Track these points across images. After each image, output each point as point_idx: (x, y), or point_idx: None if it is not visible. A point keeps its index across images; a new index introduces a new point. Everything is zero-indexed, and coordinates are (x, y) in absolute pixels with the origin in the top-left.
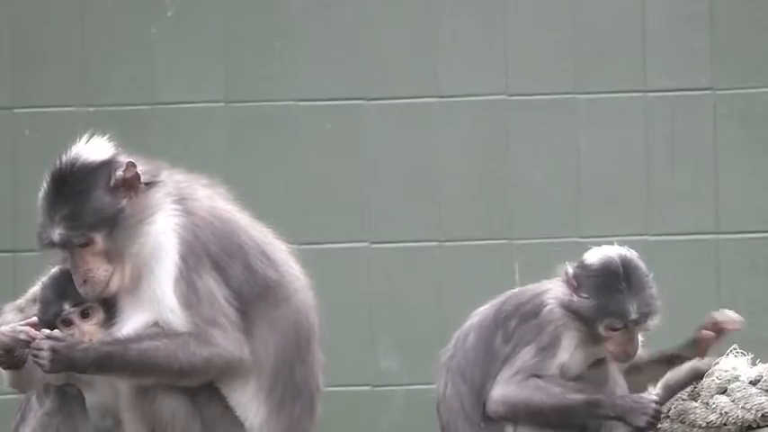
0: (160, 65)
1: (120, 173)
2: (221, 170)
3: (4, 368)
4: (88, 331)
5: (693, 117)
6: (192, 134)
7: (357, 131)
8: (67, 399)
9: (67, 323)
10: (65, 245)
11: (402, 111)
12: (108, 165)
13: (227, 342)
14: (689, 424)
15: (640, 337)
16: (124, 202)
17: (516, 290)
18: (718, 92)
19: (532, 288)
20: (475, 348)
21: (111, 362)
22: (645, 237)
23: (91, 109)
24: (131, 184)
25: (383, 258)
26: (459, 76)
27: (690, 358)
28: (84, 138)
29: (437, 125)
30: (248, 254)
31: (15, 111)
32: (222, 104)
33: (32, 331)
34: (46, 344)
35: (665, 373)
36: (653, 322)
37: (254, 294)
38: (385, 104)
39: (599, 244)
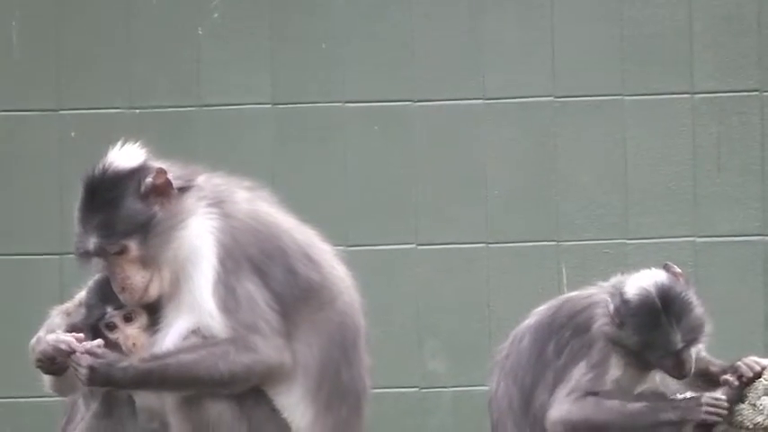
0: (206, 67)
1: (149, 179)
2: (268, 172)
3: (45, 373)
4: (131, 335)
5: (741, 119)
6: (238, 136)
7: (404, 133)
8: (116, 401)
9: (111, 327)
10: (99, 254)
11: (449, 112)
12: (138, 172)
13: (268, 348)
14: (736, 425)
15: (693, 354)
16: (156, 208)
17: (574, 294)
18: (765, 93)
19: (588, 296)
20: (528, 352)
21: (150, 379)
22: (692, 239)
23: (137, 111)
24: (162, 190)
25: (430, 260)
26: (506, 78)
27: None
28: (118, 144)
29: (484, 127)
30: (290, 256)
31: (61, 112)
32: (269, 106)
33: (74, 343)
34: (85, 360)
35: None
36: (704, 339)
37: (296, 297)
38: (432, 106)
39: (646, 246)
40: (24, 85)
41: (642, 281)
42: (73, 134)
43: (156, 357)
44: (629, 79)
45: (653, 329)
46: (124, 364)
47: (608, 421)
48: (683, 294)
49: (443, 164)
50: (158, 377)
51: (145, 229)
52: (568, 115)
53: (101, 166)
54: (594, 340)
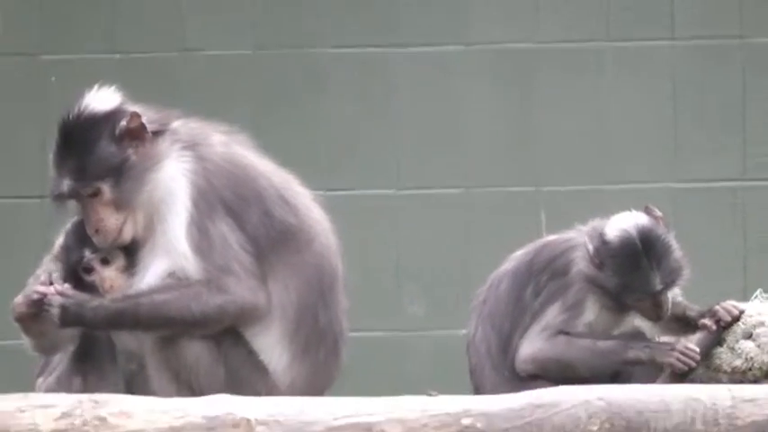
0: (189, 12)
1: (123, 123)
2: (249, 118)
3: (28, 334)
4: (108, 277)
5: (721, 65)
6: (220, 82)
7: (385, 79)
8: (95, 343)
9: (89, 270)
10: (73, 196)
11: (430, 59)
12: (113, 115)
13: (241, 289)
14: (714, 369)
15: (670, 297)
16: (129, 151)
17: (552, 238)
18: (746, 40)
19: (566, 240)
20: (506, 297)
21: (121, 319)
22: (671, 184)
23: (118, 56)
24: (136, 134)
25: (410, 205)
26: (487, 25)
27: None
28: (94, 88)
29: (464, 73)
30: (265, 199)
31: (42, 57)
32: (250, 52)
33: (42, 288)
34: (56, 300)
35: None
36: (682, 282)
37: (272, 239)
38: (413, 52)
39: (625, 192)
40: (5, 30)
41: (623, 222)
42: (53, 79)
43: (127, 297)
44: (610, 25)
45: (632, 271)
46: (95, 303)
47: (578, 359)
48: (664, 237)
49: (424, 109)
50: (130, 317)
51: (118, 172)
52: (549, 61)
53: (76, 109)
54: (572, 283)
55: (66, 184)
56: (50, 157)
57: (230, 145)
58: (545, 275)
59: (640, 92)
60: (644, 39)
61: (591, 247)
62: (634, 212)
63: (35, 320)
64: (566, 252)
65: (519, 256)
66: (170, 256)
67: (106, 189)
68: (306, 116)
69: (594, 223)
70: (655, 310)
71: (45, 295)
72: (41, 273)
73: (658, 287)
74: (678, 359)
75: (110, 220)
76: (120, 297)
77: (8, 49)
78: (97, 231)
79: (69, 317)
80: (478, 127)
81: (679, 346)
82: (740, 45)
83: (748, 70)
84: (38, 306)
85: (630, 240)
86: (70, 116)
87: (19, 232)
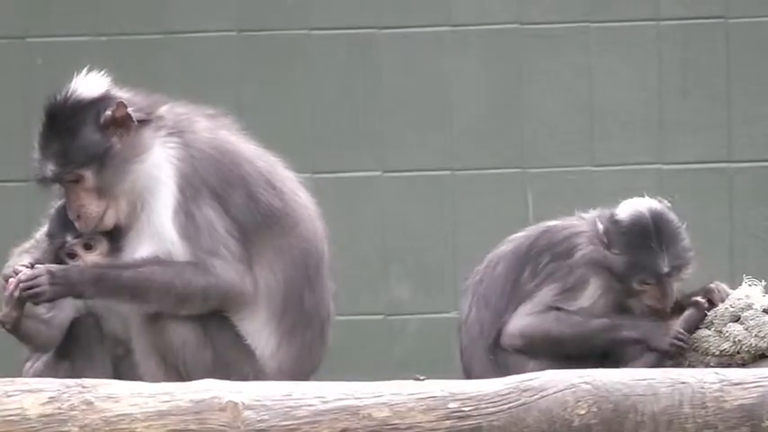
0: None
1: (108, 112)
2: (234, 100)
3: (17, 336)
4: (92, 263)
5: (706, 45)
6: (204, 64)
7: (370, 60)
8: (84, 327)
9: (72, 255)
10: (56, 181)
11: (415, 39)
12: (99, 102)
13: (226, 272)
14: (702, 352)
15: (676, 287)
16: (114, 139)
17: (554, 223)
18: (730, 20)
19: (568, 226)
20: (503, 278)
21: (105, 283)
22: (657, 165)
23: (103, 38)
24: (121, 123)
25: (396, 187)
26: (472, 5)
27: None
28: (82, 73)
29: (450, 54)
30: (251, 184)
31: (28, 40)
32: (234, 33)
33: (13, 280)
34: (43, 271)
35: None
36: (687, 273)
37: (257, 224)
38: (398, 33)
39: (612, 173)
40: None
41: (635, 203)
42: (39, 61)
43: (112, 264)
44: (596, 5)
45: (642, 249)
46: (80, 267)
47: (567, 335)
48: (675, 222)
49: (409, 90)
50: (114, 282)
51: (101, 160)
52: (534, 42)
53: (63, 93)
54: (573, 267)
55: (49, 169)
56: (35, 139)
57: (215, 130)
58: (545, 258)
59: (626, 72)
60: (629, 19)
61: (600, 227)
62: (647, 198)
63: (24, 319)
64: (569, 237)
65: (519, 237)
66: (156, 242)
67: (89, 176)
68: (291, 98)
69: (600, 210)
70: (659, 296)
71: (29, 280)
72: (8, 268)
73: (666, 269)
74: (673, 344)
75: (91, 206)
76: (106, 263)
77: None
78: (79, 217)
79: (58, 281)
80: (464, 108)
81: (672, 332)
82: (724, 24)
83: (732, 50)
84: (23, 300)
85: (643, 218)
86: (56, 100)
87: (3, 215)
